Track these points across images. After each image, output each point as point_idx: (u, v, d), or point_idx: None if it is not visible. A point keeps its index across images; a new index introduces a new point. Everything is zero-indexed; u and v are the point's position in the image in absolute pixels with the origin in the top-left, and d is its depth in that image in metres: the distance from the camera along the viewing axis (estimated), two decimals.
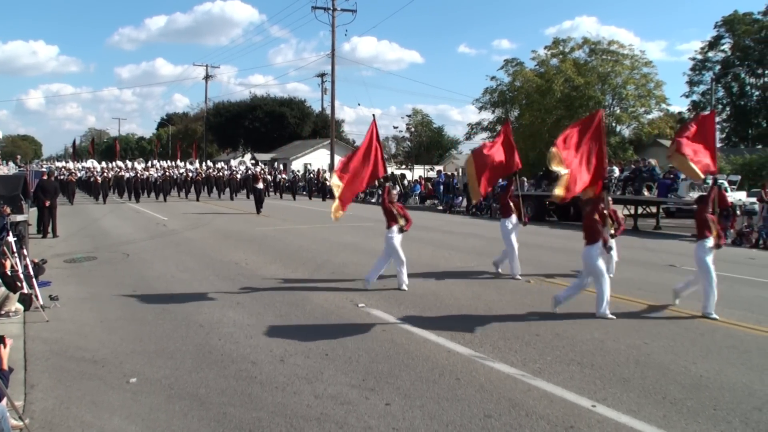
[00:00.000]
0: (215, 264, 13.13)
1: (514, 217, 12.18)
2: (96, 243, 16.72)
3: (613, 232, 10.76)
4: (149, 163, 47.50)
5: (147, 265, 13.06)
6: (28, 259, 9.69)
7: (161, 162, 48.38)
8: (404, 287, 10.52)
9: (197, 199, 36.80)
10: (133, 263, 13.28)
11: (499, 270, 12.20)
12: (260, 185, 27.99)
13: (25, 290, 8.74)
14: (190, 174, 41.73)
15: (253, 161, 50.70)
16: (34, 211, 18.14)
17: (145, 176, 39.94)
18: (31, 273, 9.33)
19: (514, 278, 11.70)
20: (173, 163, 48.15)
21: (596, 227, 8.89)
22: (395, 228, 10.65)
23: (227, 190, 40.60)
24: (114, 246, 16.04)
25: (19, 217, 12.04)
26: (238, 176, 42.13)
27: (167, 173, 40.25)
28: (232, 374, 6.30)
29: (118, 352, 7.07)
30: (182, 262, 13.42)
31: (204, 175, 41.58)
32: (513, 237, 11.95)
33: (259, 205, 26.95)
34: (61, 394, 5.76)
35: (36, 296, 8.86)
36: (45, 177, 19.71)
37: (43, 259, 11.48)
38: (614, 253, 10.94)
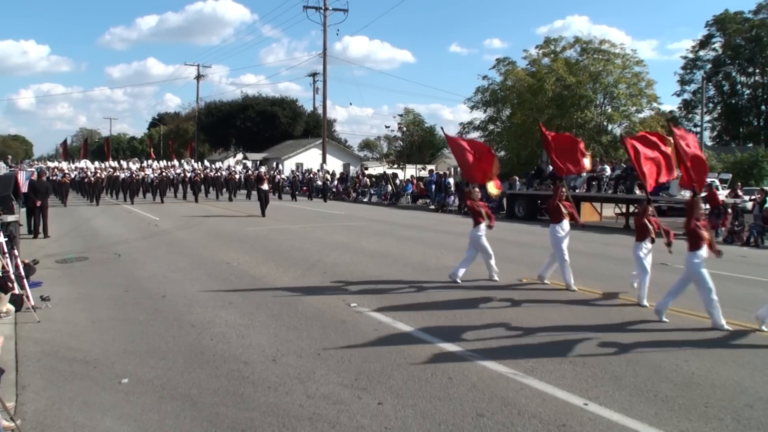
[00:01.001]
0: (207, 264, 13.10)
1: (565, 223, 11.17)
2: (87, 243, 16.65)
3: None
4: (144, 163, 45.65)
5: (139, 265, 13.02)
6: (18, 260, 9.64)
7: (158, 162, 46.48)
8: (496, 278, 11.45)
9: (195, 201, 35.52)
10: (125, 263, 13.24)
11: (546, 281, 11.30)
12: (265, 186, 26.35)
13: (17, 291, 8.70)
14: (188, 174, 39.92)
15: (246, 160, 50.43)
16: (24, 211, 18.06)
17: (140, 176, 37.84)
18: (22, 273, 9.28)
19: (569, 289, 10.72)
20: (169, 162, 46.45)
21: (698, 233, 8.47)
22: (482, 226, 11.36)
23: (224, 190, 39.30)
24: (105, 246, 15.98)
25: (10, 218, 11.95)
26: (237, 176, 40.97)
27: (164, 173, 38.42)
28: (224, 374, 6.29)
29: (110, 352, 7.04)
30: (174, 262, 13.39)
31: (202, 176, 39.76)
32: (564, 244, 10.99)
33: (264, 207, 25.35)
34: (52, 394, 5.74)
35: (27, 297, 8.82)
36: (35, 177, 19.59)
37: (34, 259, 11.42)
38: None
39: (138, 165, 44.88)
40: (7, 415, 4.92)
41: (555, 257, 11.19)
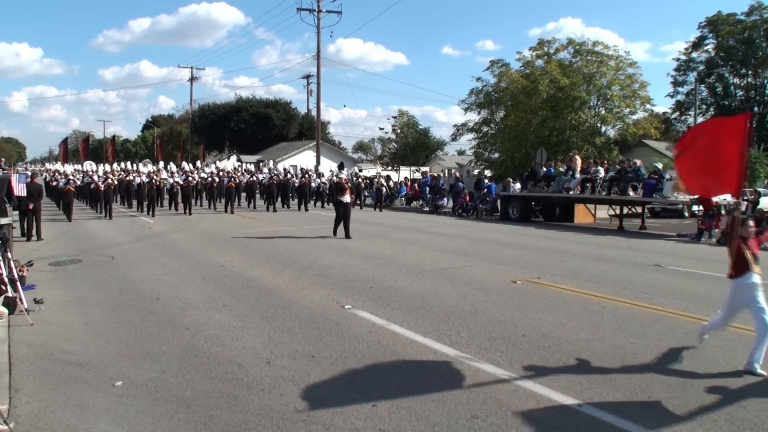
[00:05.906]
0: (201, 266, 13.07)
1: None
2: (81, 246, 16.61)
3: None
4: (160, 165, 38.79)
5: (132, 267, 12.99)
6: (12, 263, 9.61)
7: (186, 164, 40.27)
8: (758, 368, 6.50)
9: (231, 211, 29.34)
10: (119, 266, 13.20)
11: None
12: (347, 198, 19.47)
13: (10, 293, 8.67)
14: (216, 180, 33.44)
15: (239, 162, 49.91)
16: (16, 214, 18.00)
17: (157, 182, 29.12)
18: (16, 276, 9.25)
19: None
20: (198, 165, 40.70)
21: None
22: (755, 275, 6.70)
23: (250, 198, 34.01)
24: (99, 249, 15.94)
25: (3, 220, 11.91)
26: (274, 180, 33.12)
27: (190, 178, 31.20)
28: (218, 376, 6.28)
29: (104, 355, 7.02)
30: (168, 264, 13.36)
31: (237, 181, 32.36)
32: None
33: (346, 224, 18.71)
34: (46, 397, 5.72)
35: (20, 299, 8.79)
36: (28, 179, 19.51)
37: (30, 261, 11.38)
38: None
39: (151, 167, 38.71)
40: (0, 418, 4.90)
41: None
